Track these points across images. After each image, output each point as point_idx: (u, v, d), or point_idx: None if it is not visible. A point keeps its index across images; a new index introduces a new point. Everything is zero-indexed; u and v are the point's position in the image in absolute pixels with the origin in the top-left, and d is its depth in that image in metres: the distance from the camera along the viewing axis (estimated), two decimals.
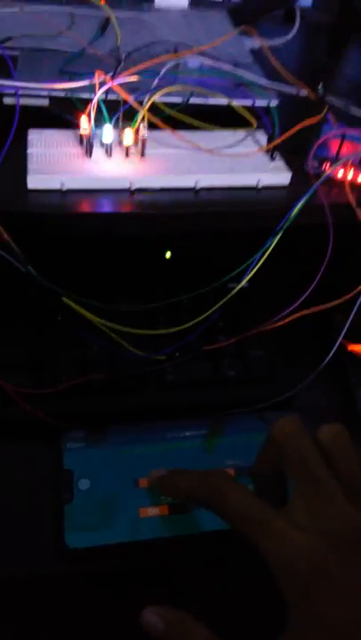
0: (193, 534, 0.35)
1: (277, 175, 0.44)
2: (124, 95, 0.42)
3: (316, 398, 0.43)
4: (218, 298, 0.43)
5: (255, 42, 0.58)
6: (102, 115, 0.43)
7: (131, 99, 0.43)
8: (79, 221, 0.41)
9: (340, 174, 0.45)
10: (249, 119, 0.47)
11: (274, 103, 0.49)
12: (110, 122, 0.43)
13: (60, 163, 0.42)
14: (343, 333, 0.42)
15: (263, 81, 0.51)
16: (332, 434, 0.30)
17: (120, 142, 0.43)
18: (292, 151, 0.46)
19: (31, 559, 0.34)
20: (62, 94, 0.46)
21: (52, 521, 0.35)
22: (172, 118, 0.45)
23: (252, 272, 0.42)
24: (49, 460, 0.37)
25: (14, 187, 0.40)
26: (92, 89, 0.44)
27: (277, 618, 0.26)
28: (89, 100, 0.43)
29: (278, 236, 0.42)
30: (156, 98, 0.44)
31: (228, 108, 0.48)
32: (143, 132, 0.42)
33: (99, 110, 0.43)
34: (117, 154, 0.43)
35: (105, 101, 0.43)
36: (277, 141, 0.45)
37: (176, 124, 0.45)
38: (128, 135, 0.42)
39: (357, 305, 0.42)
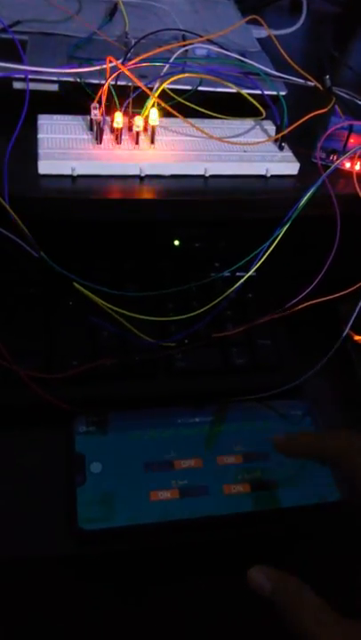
0: (203, 517, 0.36)
1: (286, 165, 0.45)
2: (135, 81, 0.42)
3: (322, 387, 0.44)
4: (226, 286, 0.43)
5: (262, 31, 0.58)
6: (112, 100, 0.43)
7: (142, 85, 0.43)
8: (90, 207, 0.41)
9: (347, 165, 0.46)
10: (259, 108, 0.47)
11: (282, 93, 0.49)
12: (120, 109, 0.43)
13: (70, 148, 0.42)
14: (350, 324, 0.42)
15: (271, 70, 0.51)
16: None
17: (130, 128, 0.43)
18: (300, 141, 0.46)
19: (45, 541, 0.34)
20: (72, 79, 0.46)
21: (65, 504, 0.35)
22: (181, 105, 0.45)
23: (261, 261, 0.43)
24: (61, 443, 0.38)
25: (25, 172, 0.40)
26: (102, 74, 0.44)
27: None
28: (98, 86, 0.43)
29: (286, 226, 0.43)
30: (166, 85, 0.44)
31: (237, 96, 0.48)
32: (153, 118, 0.42)
33: (109, 96, 0.43)
34: (127, 140, 0.44)
35: (114, 86, 0.43)
36: (286, 132, 0.45)
37: (185, 112, 0.45)
38: (138, 122, 0.42)
39: None
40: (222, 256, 0.46)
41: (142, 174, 0.42)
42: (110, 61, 0.42)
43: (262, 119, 0.47)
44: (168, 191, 0.41)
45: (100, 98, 0.42)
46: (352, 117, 0.47)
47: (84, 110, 0.44)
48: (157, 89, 0.43)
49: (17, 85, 0.45)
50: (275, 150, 0.45)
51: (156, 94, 0.43)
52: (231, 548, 0.37)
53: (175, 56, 0.47)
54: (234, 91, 0.48)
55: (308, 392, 0.43)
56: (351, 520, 0.36)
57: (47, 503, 0.36)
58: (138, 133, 0.43)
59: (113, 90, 0.42)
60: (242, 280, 0.43)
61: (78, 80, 0.45)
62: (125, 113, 0.43)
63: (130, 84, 0.43)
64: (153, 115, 0.42)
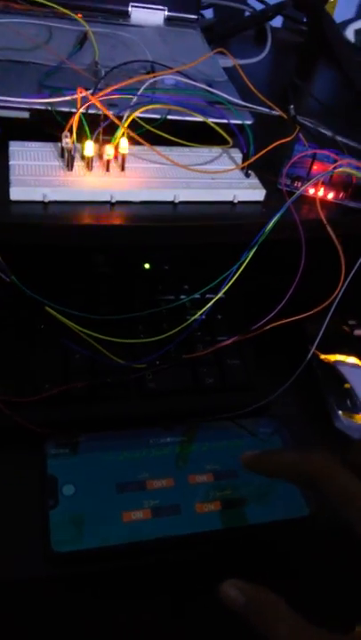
0: (175, 535, 0.36)
1: (252, 192, 0.46)
2: (105, 112, 0.43)
3: (290, 405, 0.45)
4: (196, 308, 0.44)
5: (229, 60, 0.60)
6: (83, 129, 0.44)
7: (111, 115, 0.44)
8: (61, 232, 0.42)
9: (311, 192, 0.48)
10: (225, 137, 0.49)
11: (248, 122, 0.51)
12: (91, 137, 0.44)
13: (42, 175, 0.43)
14: (316, 344, 0.44)
15: (237, 100, 0.53)
16: None
17: (100, 156, 0.45)
18: (266, 168, 0.48)
19: (18, 564, 0.34)
20: (43, 107, 0.47)
21: (38, 526, 0.35)
22: (150, 133, 0.46)
23: (229, 284, 0.44)
24: (33, 466, 0.38)
25: None
26: (72, 103, 0.45)
27: None
28: (69, 114, 0.45)
29: (254, 250, 0.44)
30: (136, 114, 0.45)
31: (205, 125, 0.49)
32: (123, 147, 0.44)
33: (79, 124, 0.44)
34: (98, 167, 0.45)
35: (85, 115, 0.44)
36: (252, 160, 0.47)
37: (155, 139, 0.46)
38: (109, 151, 0.43)
39: (329, 316, 0.44)
40: (192, 279, 0.47)
41: (113, 200, 0.43)
42: (81, 92, 0.43)
43: (229, 147, 0.49)
44: (139, 217, 0.42)
45: (71, 126, 0.43)
46: (315, 145, 0.49)
47: (54, 137, 0.45)
48: (127, 119, 0.44)
49: None
50: (241, 177, 0.47)
51: (126, 124, 0.44)
52: (204, 566, 0.37)
53: (145, 87, 0.48)
54: (201, 120, 0.49)
55: (276, 410, 0.44)
56: (321, 535, 0.37)
57: (20, 526, 0.36)
58: (108, 161, 0.44)
59: (84, 119, 0.44)
60: (211, 302, 0.44)
61: (49, 108, 0.46)
62: (96, 140, 0.44)
63: (100, 112, 0.45)
64: (123, 143, 0.43)
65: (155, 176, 0.45)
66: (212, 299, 0.44)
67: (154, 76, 0.50)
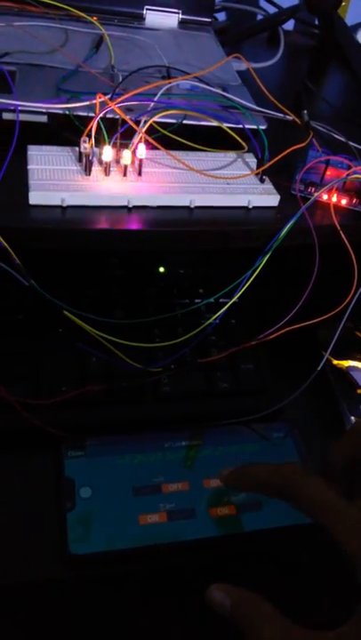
0: (190, 540, 0.37)
1: (267, 197, 0.46)
2: (124, 117, 0.44)
3: (303, 410, 0.45)
4: (210, 312, 0.45)
5: (242, 64, 0.61)
6: (101, 133, 0.44)
7: (130, 121, 0.44)
8: (79, 236, 0.42)
9: (324, 197, 0.48)
10: (240, 142, 0.49)
11: (262, 127, 0.51)
12: (109, 142, 0.44)
13: (60, 179, 0.43)
14: (330, 349, 0.44)
15: (252, 105, 0.53)
16: None
17: (118, 161, 0.45)
18: (280, 174, 0.48)
19: (35, 567, 0.35)
20: (61, 112, 0.47)
21: (55, 529, 0.36)
22: (166, 137, 0.47)
23: (244, 288, 0.44)
24: (50, 469, 0.39)
25: (16, 202, 0.41)
26: (90, 108, 0.45)
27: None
28: (86, 118, 0.45)
29: (268, 255, 0.45)
30: (153, 120, 0.46)
31: (220, 130, 0.50)
32: (141, 152, 0.44)
33: (97, 129, 0.44)
34: (115, 172, 0.45)
35: (102, 120, 0.44)
36: (266, 166, 0.47)
37: (171, 144, 0.47)
38: (127, 156, 0.44)
39: (343, 322, 0.44)
40: (206, 283, 0.48)
41: (130, 205, 0.43)
42: (100, 97, 0.43)
43: (244, 152, 0.50)
44: (155, 222, 0.43)
45: (90, 131, 0.43)
46: (328, 151, 0.49)
47: (72, 141, 0.45)
48: (144, 125, 0.45)
49: (6, 116, 0.46)
50: (256, 183, 0.47)
51: (144, 130, 0.44)
52: (219, 569, 0.38)
53: (161, 92, 0.49)
54: (217, 125, 0.50)
55: (289, 415, 0.45)
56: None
57: (37, 528, 0.36)
58: (126, 166, 0.44)
59: (102, 124, 0.44)
60: (226, 307, 0.45)
61: (67, 113, 0.47)
62: (114, 145, 0.45)
63: (117, 117, 0.45)
64: (141, 149, 0.44)
65: (171, 181, 0.45)
66: (227, 303, 0.45)
67: (170, 82, 0.50)
